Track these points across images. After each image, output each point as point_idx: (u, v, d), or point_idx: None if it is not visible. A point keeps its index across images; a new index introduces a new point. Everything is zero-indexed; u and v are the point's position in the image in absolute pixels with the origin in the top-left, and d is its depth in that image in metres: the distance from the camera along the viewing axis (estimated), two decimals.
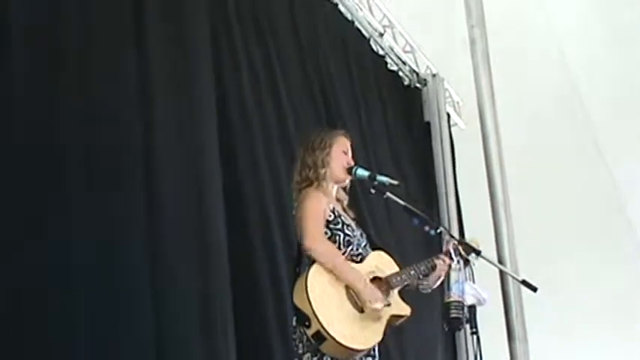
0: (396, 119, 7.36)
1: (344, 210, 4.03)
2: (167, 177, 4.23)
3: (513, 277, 4.97)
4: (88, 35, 4.04)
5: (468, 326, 3.88)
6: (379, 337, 3.75)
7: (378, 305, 3.71)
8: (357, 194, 4.70)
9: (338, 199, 4.05)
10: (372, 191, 4.03)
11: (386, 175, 4.06)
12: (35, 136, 3.63)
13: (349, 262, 3.83)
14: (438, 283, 4.08)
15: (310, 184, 3.94)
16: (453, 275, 3.97)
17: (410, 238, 6.15)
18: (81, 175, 3.77)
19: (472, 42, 6.65)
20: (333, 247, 3.82)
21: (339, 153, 4.04)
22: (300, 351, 3.69)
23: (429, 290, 4.11)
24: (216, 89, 4.76)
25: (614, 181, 8.67)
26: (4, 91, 3.53)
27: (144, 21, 4.38)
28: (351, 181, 4.10)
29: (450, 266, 4.02)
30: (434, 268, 4.01)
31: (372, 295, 3.72)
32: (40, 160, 3.61)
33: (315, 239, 3.75)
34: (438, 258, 4.04)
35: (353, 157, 4.10)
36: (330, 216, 3.87)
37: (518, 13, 7.87)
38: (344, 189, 4.10)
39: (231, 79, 5.07)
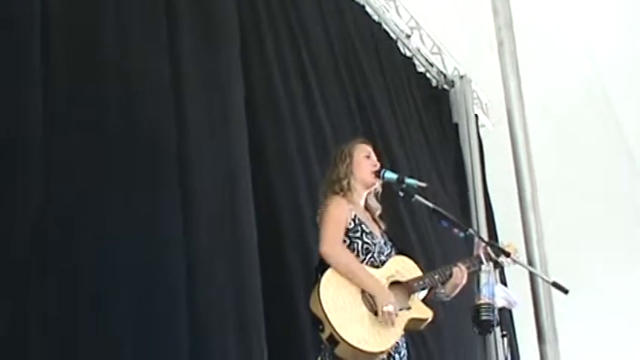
0: (429, 121, 7.35)
1: (374, 220, 4.02)
2: (200, 174, 4.25)
3: (544, 279, 4.92)
4: (124, 34, 4.11)
5: (498, 329, 3.86)
6: (396, 339, 3.73)
7: (390, 308, 3.66)
8: (398, 203, 4.63)
9: (367, 209, 4.04)
10: (401, 194, 4.01)
11: (414, 178, 4.05)
12: (71, 130, 3.68)
13: (367, 267, 3.82)
14: (456, 291, 4.02)
15: (336, 195, 3.95)
16: (483, 278, 3.94)
17: (454, 245, 6.11)
18: (116, 171, 3.80)
19: (500, 43, 6.60)
20: (348, 252, 3.82)
21: (362, 158, 4.05)
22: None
23: (447, 298, 4.07)
24: (246, 89, 4.78)
25: None
26: (44, 85, 3.57)
27: (176, 20, 4.45)
28: (385, 187, 4.07)
29: (476, 272, 3.98)
30: (451, 275, 3.97)
31: (385, 299, 3.69)
32: (78, 156, 3.66)
33: (331, 245, 3.76)
34: (455, 265, 3.99)
35: (378, 160, 4.10)
36: (350, 224, 3.87)
37: (546, 13, 7.82)
38: (375, 196, 4.09)
39: (262, 79, 5.09)
